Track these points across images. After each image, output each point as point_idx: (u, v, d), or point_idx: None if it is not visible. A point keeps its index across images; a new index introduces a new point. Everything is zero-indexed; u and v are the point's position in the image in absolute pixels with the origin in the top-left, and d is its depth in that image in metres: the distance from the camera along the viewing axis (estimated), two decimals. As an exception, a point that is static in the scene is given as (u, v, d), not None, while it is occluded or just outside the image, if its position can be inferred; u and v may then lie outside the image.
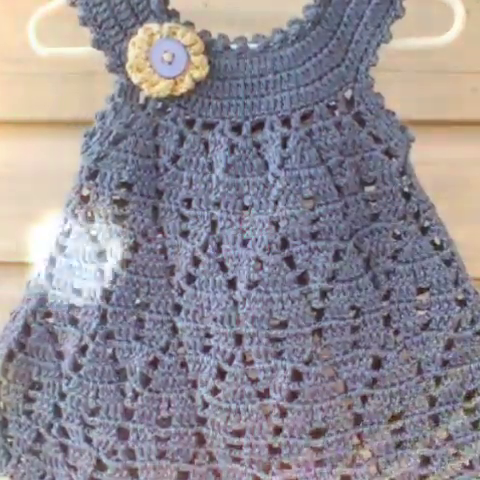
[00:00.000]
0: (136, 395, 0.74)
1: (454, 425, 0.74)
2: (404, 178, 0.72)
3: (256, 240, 0.71)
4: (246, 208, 0.72)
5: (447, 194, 0.80)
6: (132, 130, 0.72)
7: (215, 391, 0.73)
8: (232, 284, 0.72)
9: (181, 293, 0.73)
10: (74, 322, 0.74)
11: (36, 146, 0.89)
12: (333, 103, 0.71)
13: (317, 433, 0.73)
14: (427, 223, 0.73)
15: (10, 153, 0.90)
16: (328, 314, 0.71)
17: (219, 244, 0.72)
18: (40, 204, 0.87)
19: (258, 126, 0.72)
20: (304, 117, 0.71)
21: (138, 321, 0.74)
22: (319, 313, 0.71)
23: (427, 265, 0.73)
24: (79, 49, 0.74)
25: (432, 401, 0.74)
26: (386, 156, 0.71)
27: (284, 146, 0.71)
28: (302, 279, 0.71)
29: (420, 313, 0.73)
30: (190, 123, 0.72)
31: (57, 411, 0.76)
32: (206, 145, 0.72)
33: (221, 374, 0.72)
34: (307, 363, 0.71)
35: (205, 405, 0.73)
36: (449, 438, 0.74)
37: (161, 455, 0.74)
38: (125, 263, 0.73)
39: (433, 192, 0.73)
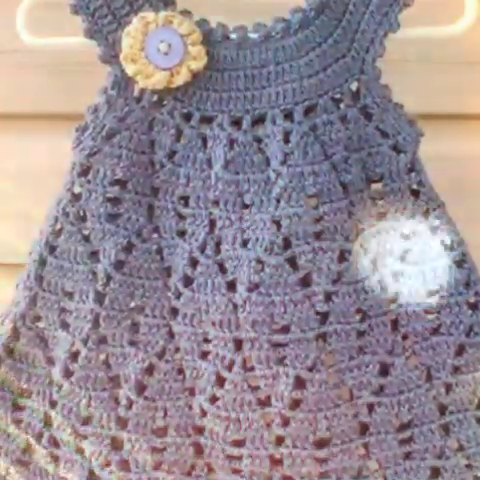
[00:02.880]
0: (130, 403, 0.73)
1: (465, 434, 0.73)
2: (413, 175, 0.71)
3: (257, 240, 0.70)
4: (246, 206, 0.71)
5: (459, 192, 0.78)
6: (126, 124, 0.71)
7: (214, 399, 0.72)
8: (232, 286, 0.70)
9: (178, 296, 0.71)
10: (65, 326, 0.73)
11: (29, 143, 0.87)
12: (338, 96, 0.70)
13: (321, 443, 0.72)
14: (437, 222, 0.71)
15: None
16: (333, 318, 0.70)
17: (218, 244, 0.71)
18: (31, 203, 0.86)
19: (259, 120, 0.71)
20: (307, 110, 0.70)
21: (133, 325, 0.72)
22: (323, 317, 0.70)
23: (437, 266, 0.71)
24: (71, 39, 0.73)
25: (442, 409, 0.73)
26: (394, 151, 0.70)
27: (286, 141, 0.70)
28: (305, 281, 0.70)
29: (430, 317, 0.72)
30: (187, 117, 0.71)
31: (47, 420, 0.75)
32: (204, 140, 0.71)
33: (220, 381, 0.71)
34: (310, 369, 0.70)
35: (203, 414, 0.72)
36: (460, 448, 0.73)
37: (157, 466, 0.73)
38: (119, 264, 0.71)
39: (444, 190, 0.71)
